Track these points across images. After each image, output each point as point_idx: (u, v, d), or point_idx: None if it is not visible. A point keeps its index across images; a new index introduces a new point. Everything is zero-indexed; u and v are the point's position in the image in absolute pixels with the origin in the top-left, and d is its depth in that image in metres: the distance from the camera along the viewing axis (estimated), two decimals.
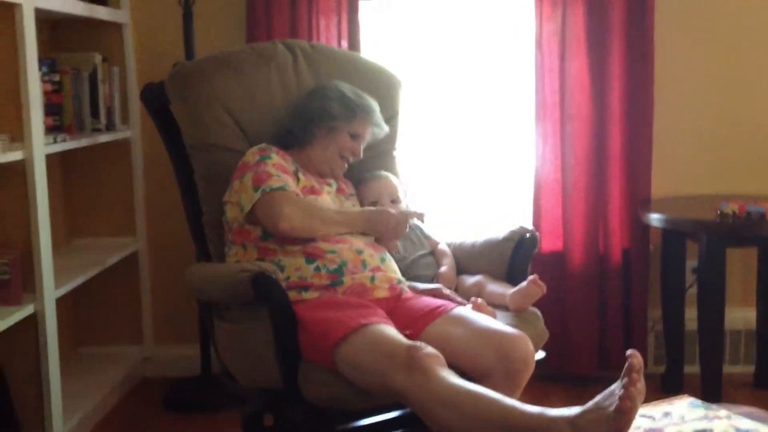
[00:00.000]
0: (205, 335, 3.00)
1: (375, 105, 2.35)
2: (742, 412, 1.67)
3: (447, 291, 2.22)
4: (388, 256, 2.23)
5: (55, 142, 2.55)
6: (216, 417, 2.89)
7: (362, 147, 2.35)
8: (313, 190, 2.25)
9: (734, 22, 3.09)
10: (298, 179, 2.23)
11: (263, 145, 2.25)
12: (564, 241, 3.05)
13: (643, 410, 1.64)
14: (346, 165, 2.35)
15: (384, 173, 2.48)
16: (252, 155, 2.21)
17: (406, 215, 2.25)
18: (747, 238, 2.81)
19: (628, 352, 1.54)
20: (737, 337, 3.15)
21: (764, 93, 3.12)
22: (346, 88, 2.35)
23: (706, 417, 1.63)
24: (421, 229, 2.47)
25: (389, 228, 2.22)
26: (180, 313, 3.18)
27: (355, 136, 2.31)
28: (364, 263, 2.14)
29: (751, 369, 3.13)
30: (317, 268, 2.10)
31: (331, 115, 2.27)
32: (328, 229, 2.15)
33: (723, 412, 1.66)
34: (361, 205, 2.40)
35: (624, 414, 1.49)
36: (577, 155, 3.01)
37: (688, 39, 3.09)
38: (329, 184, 2.34)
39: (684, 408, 1.68)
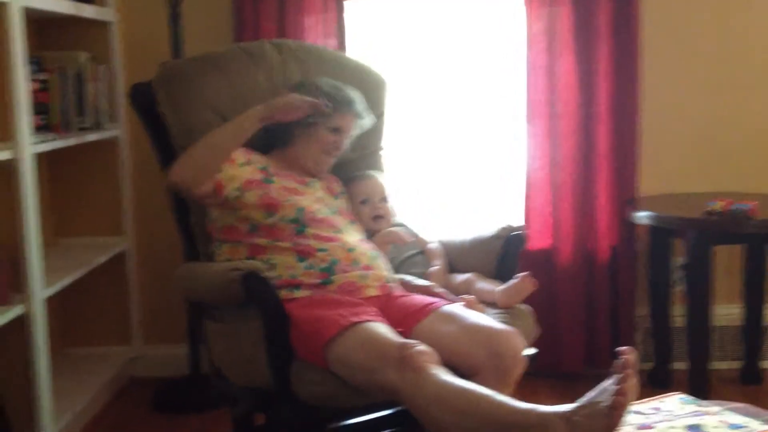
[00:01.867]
0: (193, 334, 2.99)
1: (355, 96, 2.31)
2: (733, 407, 1.69)
3: (439, 289, 2.21)
4: (380, 254, 2.23)
5: (42, 141, 2.53)
6: (205, 417, 2.89)
7: (347, 140, 2.32)
8: (291, 191, 2.22)
9: (721, 22, 3.10)
10: (271, 181, 2.22)
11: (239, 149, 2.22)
12: (553, 239, 3.06)
13: (634, 406, 1.65)
14: (332, 161, 2.33)
15: (372, 173, 2.48)
16: None
17: (302, 100, 2.21)
18: (733, 236, 2.84)
19: (622, 348, 1.55)
20: (724, 333, 3.18)
21: (751, 91, 3.13)
22: (325, 82, 2.32)
23: (696, 413, 1.65)
24: (410, 228, 2.47)
25: (278, 105, 2.20)
26: (168, 313, 3.17)
27: (336, 130, 2.28)
28: (355, 261, 2.14)
29: (737, 365, 3.16)
30: (308, 267, 2.10)
31: None
32: (222, 147, 2.17)
33: (714, 407, 1.67)
34: (350, 204, 2.40)
35: (617, 409, 1.50)
36: (565, 153, 3.03)
37: (675, 38, 3.11)
38: (308, 184, 2.28)
39: (674, 404, 1.70)
